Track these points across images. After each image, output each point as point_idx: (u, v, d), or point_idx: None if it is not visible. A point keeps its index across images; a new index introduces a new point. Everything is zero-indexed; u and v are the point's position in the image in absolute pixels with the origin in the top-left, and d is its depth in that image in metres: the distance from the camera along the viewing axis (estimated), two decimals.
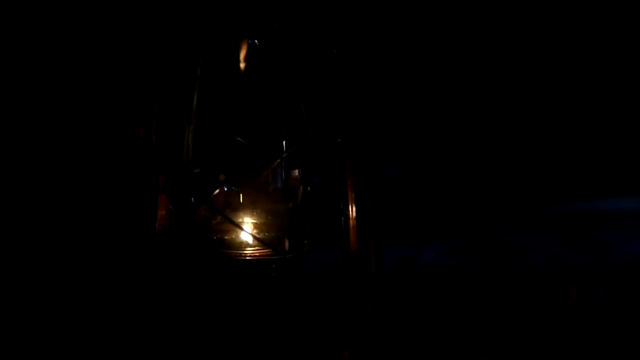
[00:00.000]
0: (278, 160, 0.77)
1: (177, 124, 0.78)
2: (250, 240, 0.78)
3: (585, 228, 1.30)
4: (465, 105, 1.56)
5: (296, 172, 0.79)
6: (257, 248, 0.78)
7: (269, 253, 0.77)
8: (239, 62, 0.77)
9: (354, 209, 0.77)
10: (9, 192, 1.00)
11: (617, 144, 1.44)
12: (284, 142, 0.77)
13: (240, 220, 0.78)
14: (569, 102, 1.45)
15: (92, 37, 1.01)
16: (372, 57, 0.76)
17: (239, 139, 0.77)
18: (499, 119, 1.55)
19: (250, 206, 0.78)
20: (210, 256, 0.77)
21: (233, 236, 0.79)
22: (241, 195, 0.78)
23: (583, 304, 0.95)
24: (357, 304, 0.78)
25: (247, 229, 0.78)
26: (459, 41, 1.51)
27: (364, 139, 0.76)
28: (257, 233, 0.78)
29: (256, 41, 0.76)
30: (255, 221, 0.79)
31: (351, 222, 0.78)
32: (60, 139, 1.01)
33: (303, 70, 0.78)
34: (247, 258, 0.77)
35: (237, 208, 0.78)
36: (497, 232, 1.25)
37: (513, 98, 1.52)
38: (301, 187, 0.79)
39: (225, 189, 0.77)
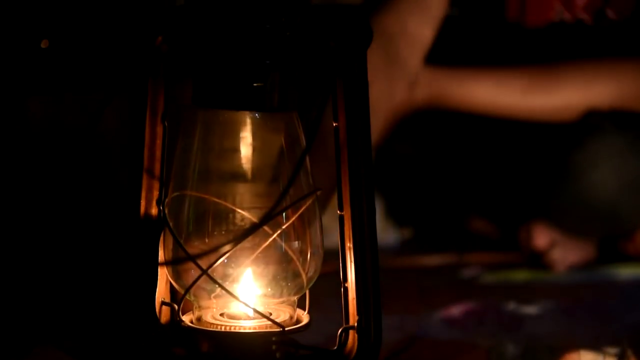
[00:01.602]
0: (279, 231, 0.77)
1: (176, 195, 0.78)
2: (250, 312, 0.78)
3: (587, 297, 1.30)
4: (467, 175, 1.56)
5: (296, 243, 0.79)
6: (257, 320, 0.77)
7: (268, 326, 0.77)
8: (239, 133, 0.78)
9: (353, 280, 0.77)
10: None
11: (614, 211, 1.45)
12: (284, 214, 0.78)
13: (239, 292, 0.78)
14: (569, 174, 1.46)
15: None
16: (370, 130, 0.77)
17: (238, 210, 0.77)
18: (501, 189, 1.55)
19: (251, 277, 0.78)
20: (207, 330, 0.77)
21: (232, 308, 0.79)
22: (241, 265, 0.78)
23: None
24: None
25: (247, 301, 0.77)
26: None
27: (363, 212, 0.76)
28: (257, 305, 0.78)
29: (257, 115, 0.77)
30: (255, 293, 0.79)
31: (350, 294, 0.77)
32: (60, 213, 1.02)
33: (304, 141, 0.78)
34: (246, 331, 0.76)
35: (237, 279, 0.78)
36: (497, 302, 1.25)
37: (513, 173, 1.53)
38: (301, 257, 0.79)
39: (225, 260, 0.77)
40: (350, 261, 0.77)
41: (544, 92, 1.36)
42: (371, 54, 0.76)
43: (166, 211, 0.77)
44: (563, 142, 1.39)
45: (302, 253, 0.79)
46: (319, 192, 0.79)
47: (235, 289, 0.78)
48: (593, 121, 1.36)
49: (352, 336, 0.77)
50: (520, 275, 1.43)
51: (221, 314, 0.79)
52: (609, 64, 1.38)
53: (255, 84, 0.75)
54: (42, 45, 1.06)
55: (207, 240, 0.77)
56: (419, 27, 1.27)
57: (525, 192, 1.50)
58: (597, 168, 1.36)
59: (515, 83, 1.35)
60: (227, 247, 0.75)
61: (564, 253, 1.47)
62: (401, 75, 1.27)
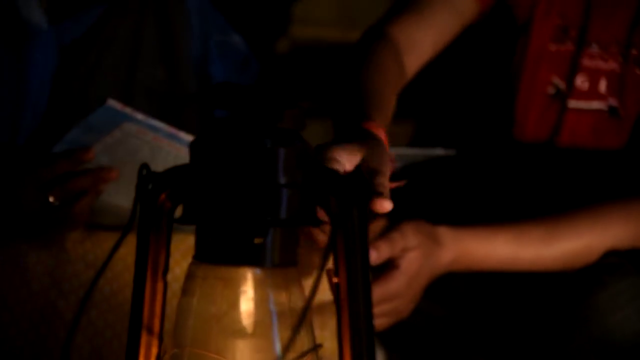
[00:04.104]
0: None
1: (175, 352, 0.78)
2: None
3: None
4: (478, 321, 1.55)
5: None
6: None
7: None
8: (240, 288, 0.78)
9: None
10: None
11: (637, 353, 1.43)
12: None
13: None
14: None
15: None
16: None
17: None
18: (518, 335, 1.53)
19: None
20: None
21: None
22: None
23: None
24: None
25: None
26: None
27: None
28: None
29: (258, 270, 0.77)
30: None
31: None
32: None
33: (305, 296, 0.79)
34: None
35: None
36: None
37: (530, 317, 1.51)
38: None
39: None
40: None
41: (564, 240, 1.36)
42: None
43: None
44: (584, 283, 1.38)
45: None
46: (320, 348, 0.79)
47: None
48: (613, 261, 1.36)
49: None
50: None
51: None
52: (624, 206, 1.39)
53: (255, 240, 0.76)
54: (50, 200, 1.08)
55: None
56: (423, 39, 1.37)
57: (543, 336, 1.48)
58: (620, 309, 1.35)
59: (534, 235, 1.35)
60: None
61: None
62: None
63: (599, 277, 1.35)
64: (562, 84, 1.46)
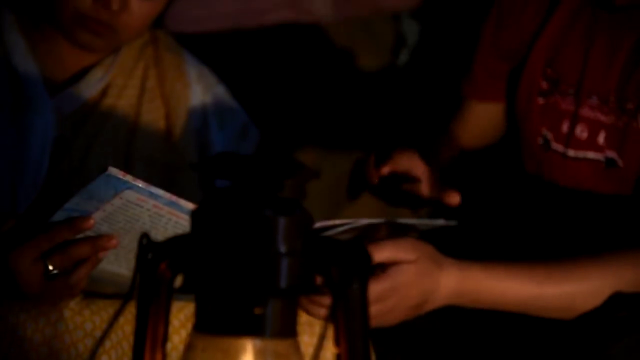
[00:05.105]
0: None
1: None
2: None
3: None
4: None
5: None
6: None
7: None
8: (240, 359, 0.78)
9: None
10: None
11: None
12: None
13: None
14: None
15: None
16: None
17: None
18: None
19: None
20: None
21: None
22: None
23: None
24: None
25: None
26: None
27: None
28: None
29: (258, 341, 0.77)
30: None
31: None
32: None
33: None
34: None
35: None
36: None
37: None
38: None
39: None
40: None
41: (565, 281, 1.35)
42: None
43: None
44: (598, 337, 1.36)
45: None
46: None
47: None
48: (625, 315, 1.34)
49: None
50: None
51: None
52: (627, 255, 1.39)
53: (255, 311, 0.75)
54: (49, 267, 1.08)
55: None
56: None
57: None
58: None
59: (540, 271, 1.34)
60: None
61: None
62: None
63: (613, 330, 1.34)
64: (549, 135, 1.47)
